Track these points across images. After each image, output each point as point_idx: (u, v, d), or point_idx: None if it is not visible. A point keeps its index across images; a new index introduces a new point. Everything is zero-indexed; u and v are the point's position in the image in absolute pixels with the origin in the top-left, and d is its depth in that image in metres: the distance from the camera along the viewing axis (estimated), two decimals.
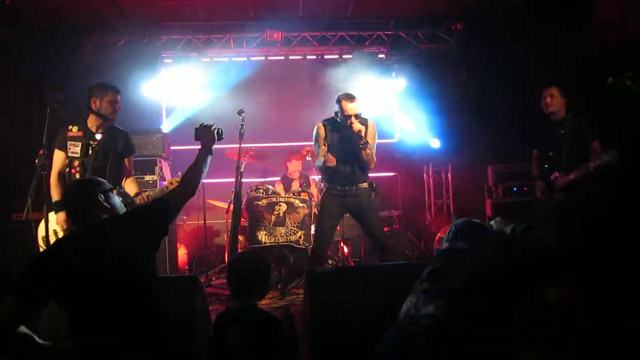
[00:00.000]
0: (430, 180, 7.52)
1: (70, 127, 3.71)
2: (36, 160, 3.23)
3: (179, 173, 4.00)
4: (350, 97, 3.91)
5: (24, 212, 3.09)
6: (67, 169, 3.68)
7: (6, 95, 5.47)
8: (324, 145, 4.07)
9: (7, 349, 1.92)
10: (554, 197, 4.06)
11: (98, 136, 3.71)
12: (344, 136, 4.01)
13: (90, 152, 3.67)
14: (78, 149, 3.63)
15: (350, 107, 3.89)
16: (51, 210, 3.52)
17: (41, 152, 3.26)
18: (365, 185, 4.11)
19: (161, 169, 5.64)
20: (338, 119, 4.03)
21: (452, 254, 2.28)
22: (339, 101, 3.97)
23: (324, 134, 4.08)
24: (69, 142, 3.66)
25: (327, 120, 4.15)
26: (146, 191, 3.85)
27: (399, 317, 2.17)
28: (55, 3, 5.78)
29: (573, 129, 4.03)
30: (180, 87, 6.85)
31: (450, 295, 2.06)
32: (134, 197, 3.74)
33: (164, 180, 5.52)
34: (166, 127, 7.21)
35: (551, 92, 4.16)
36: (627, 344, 2.63)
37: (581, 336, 2.74)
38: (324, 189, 4.26)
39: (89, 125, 3.74)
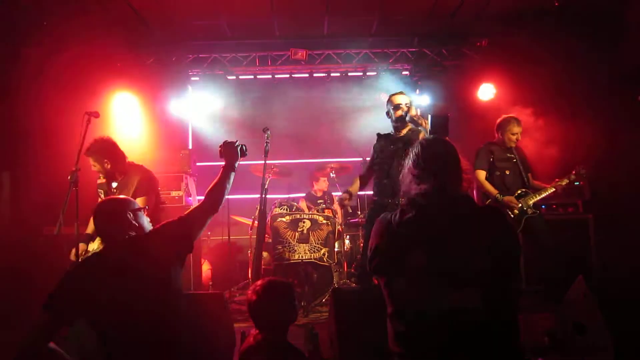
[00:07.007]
0: None
1: (100, 175, 4.09)
2: (69, 177, 3.30)
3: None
4: (398, 92, 4.06)
5: (57, 227, 3.14)
6: None
7: (43, 109, 5.62)
8: (372, 162, 4.07)
9: None
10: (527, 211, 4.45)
11: (114, 184, 4.02)
12: (392, 148, 3.90)
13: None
14: (102, 195, 4.01)
15: (399, 97, 3.97)
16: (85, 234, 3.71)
17: (73, 168, 3.33)
18: None
19: (187, 185, 5.71)
20: (388, 118, 4.03)
21: None
22: (389, 99, 4.03)
23: (374, 148, 4.08)
24: (98, 190, 4.09)
25: (383, 134, 4.11)
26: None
27: None
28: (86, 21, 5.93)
29: (520, 157, 4.65)
30: (206, 104, 6.97)
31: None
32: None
33: (190, 195, 5.59)
34: (192, 143, 7.33)
35: (520, 130, 4.61)
36: None
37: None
38: (372, 200, 3.95)
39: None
